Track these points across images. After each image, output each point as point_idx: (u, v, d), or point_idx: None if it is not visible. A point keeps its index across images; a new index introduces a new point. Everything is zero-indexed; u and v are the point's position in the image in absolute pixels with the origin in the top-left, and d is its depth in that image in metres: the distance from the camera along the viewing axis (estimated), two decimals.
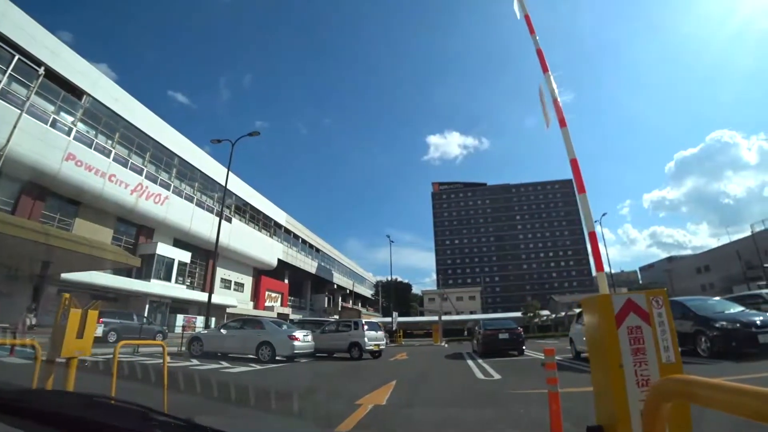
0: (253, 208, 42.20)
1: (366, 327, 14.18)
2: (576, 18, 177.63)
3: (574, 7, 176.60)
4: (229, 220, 37.27)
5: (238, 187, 39.60)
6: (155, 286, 27.69)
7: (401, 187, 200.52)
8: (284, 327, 13.06)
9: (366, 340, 13.59)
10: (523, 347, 13.56)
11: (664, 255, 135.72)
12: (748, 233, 48.67)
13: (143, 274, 28.42)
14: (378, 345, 14.19)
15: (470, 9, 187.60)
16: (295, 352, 11.88)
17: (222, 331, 13.06)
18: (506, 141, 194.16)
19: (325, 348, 14.57)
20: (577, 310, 47.31)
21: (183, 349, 13.71)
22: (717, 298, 11.32)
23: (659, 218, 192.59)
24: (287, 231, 49.79)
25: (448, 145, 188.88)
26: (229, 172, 38.12)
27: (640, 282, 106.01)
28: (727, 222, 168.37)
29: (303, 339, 12.29)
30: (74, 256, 13.99)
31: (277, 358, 11.76)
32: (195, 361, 11.09)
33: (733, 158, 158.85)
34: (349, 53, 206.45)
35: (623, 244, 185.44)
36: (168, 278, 29.29)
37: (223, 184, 37.17)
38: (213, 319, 26.82)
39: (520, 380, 7.55)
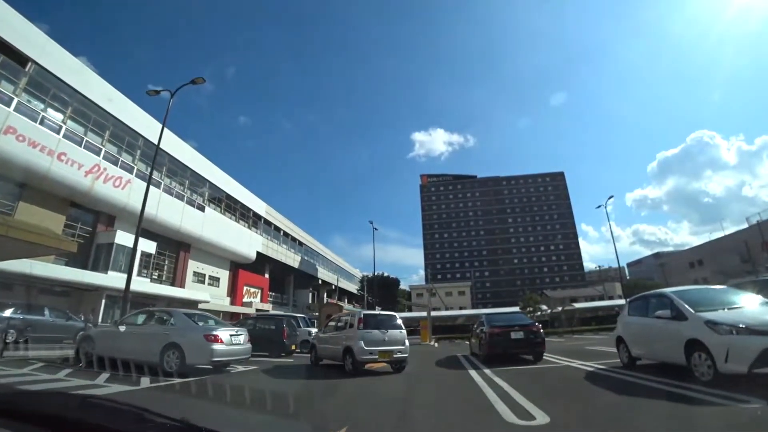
0: (229, 196, 39.36)
1: (362, 324, 9.40)
2: (564, 18, 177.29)
3: (562, 8, 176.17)
4: (202, 209, 34.49)
5: (212, 172, 36.78)
6: (113, 279, 24.74)
7: (387, 183, 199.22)
8: (210, 322, 9.56)
9: (362, 345, 8.98)
10: (543, 350, 10.23)
11: (646, 252, 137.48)
12: (729, 231, 48.08)
13: (100, 265, 25.59)
14: (389, 353, 9.22)
15: (458, 7, 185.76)
16: (215, 359, 8.39)
17: (120, 327, 9.49)
18: (492, 139, 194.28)
19: (325, 355, 10.87)
20: (573, 305, 45.53)
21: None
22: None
23: (641, 216, 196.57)
24: (267, 222, 47.02)
25: (434, 142, 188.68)
26: (191, 149, 35.12)
27: (628, 278, 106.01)
28: (706, 220, 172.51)
29: (230, 341, 8.79)
30: None
31: (197, 366, 8.47)
32: (62, 373, 7.94)
33: (713, 158, 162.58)
34: (332, 48, 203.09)
35: (607, 242, 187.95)
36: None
37: (195, 170, 34.55)
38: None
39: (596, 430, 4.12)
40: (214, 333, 8.54)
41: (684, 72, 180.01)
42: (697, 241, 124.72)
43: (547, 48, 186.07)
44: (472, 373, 8.46)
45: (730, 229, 56.28)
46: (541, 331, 10.50)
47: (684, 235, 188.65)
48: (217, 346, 8.37)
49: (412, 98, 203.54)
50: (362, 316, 9.77)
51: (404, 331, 9.90)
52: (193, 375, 7.99)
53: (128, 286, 13.96)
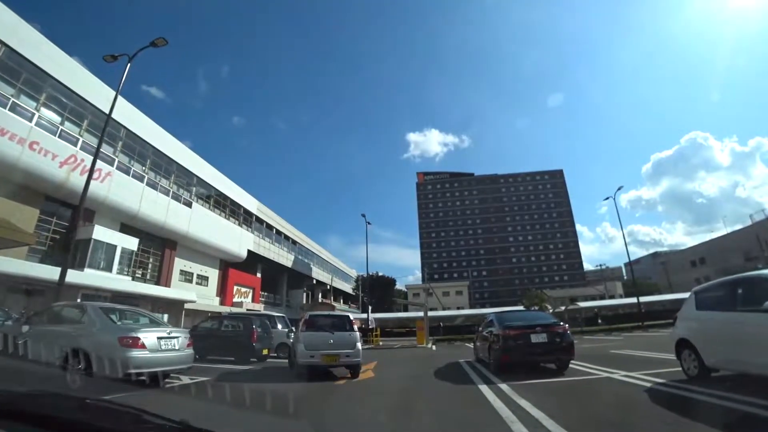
0: (218, 192, 37.84)
1: (306, 325, 8.90)
2: (560, 19, 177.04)
3: (558, 8, 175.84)
4: (189, 205, 32.96)
5: (200, 167, 35.24)
6: (90, 277, 23.28)
7: (382, 184, 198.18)
8: (143, 320, 7.59)
9: (302, 348, 8.36)
10: (572, 357, 8.27)
11: (641, 252, 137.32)
12: (725, 230, 47.24)
13: (76, 262, 24.01)
14: (335, 357, 8.44)
15: (452, 7, 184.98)
16: (133, 371, 6.06)
17: (24, 327, 7.28)
18: (487, 140, 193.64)
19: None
20: (577, 304, 44.36)
21: None
22: None
23: (636, 217, 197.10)
24: (259, 220, 45.50)
25: (429, 142, 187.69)
26: (177, 142, 33.41)
27: (625, 277, 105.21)
28: (700, 221, 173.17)
29: (157, 346, 6.58)
30: None
31: (124, 377, 6.02)
32: None
33: (707, 159, 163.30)
34: (326, 48, 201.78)
35: (602, 242, 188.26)
36: (108, 268, 24.90)
37: (182, 164, 32.98)
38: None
39: None
40: (134, 335, 6.33)
41: (678, 73, 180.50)
42: (691, 241, 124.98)
43: (543, 49, 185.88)
44: (484, 389, 6.47)
45: (726, 230, 55.42)
46: (569, 332, 8.42)
47: (678, 236, 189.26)
48: (136, 353, 6.16)
49: (406, 98, 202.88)
50: (308, 317, 9.35)
51: (355, 333, 9.20)
52: (106, 391, 5.42)
53: (63, 276, 12.24)
